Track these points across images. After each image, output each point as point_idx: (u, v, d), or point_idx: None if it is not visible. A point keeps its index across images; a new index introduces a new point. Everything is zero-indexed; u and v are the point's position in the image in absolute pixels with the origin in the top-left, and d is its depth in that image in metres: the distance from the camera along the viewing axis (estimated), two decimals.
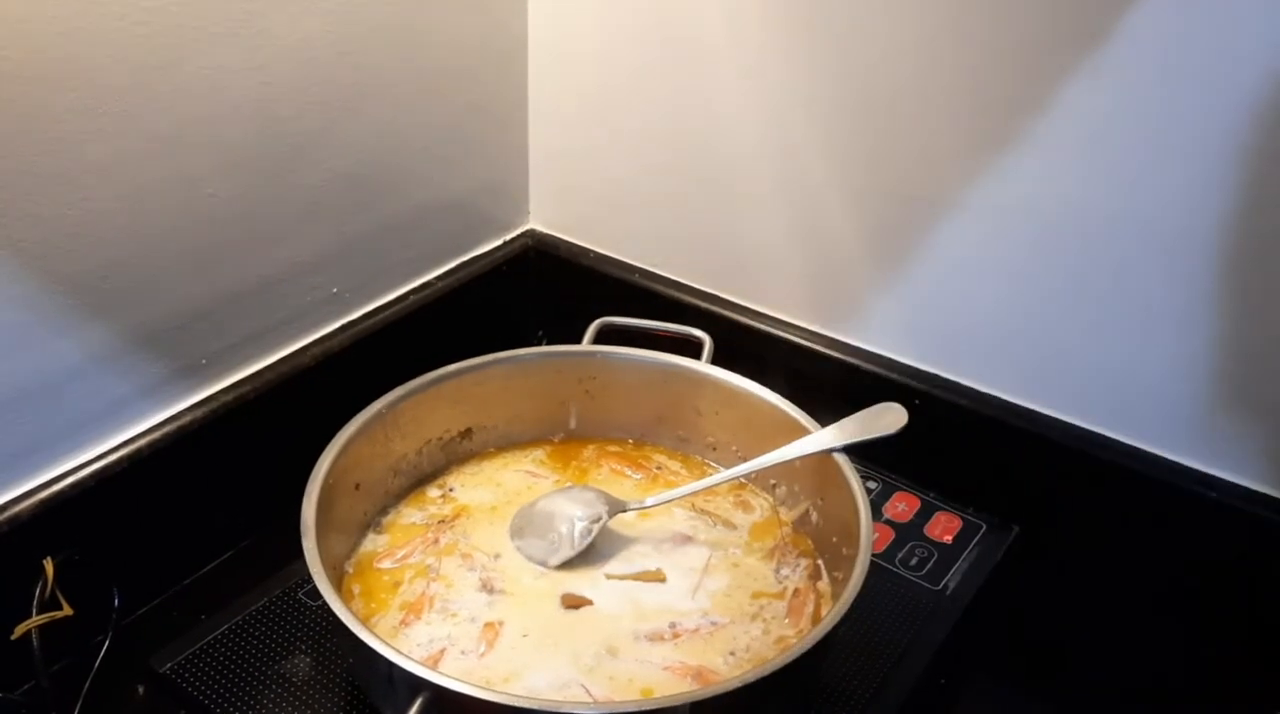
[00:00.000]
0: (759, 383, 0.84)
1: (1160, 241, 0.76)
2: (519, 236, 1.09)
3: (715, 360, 0.88)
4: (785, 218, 0.93)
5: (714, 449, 0.89)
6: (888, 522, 0.89)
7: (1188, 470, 0.81)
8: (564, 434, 0.92)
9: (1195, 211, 0.74)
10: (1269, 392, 0.76)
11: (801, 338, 0.96)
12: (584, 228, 1.07)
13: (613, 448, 0.91)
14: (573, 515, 0.80)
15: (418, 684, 0.61)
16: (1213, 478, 0.80)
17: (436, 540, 0.81)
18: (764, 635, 0.75)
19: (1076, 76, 0.75)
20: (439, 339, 0.93)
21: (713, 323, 0.94)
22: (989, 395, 0.88)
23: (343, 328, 0.94)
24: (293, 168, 0.85)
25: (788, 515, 0.84)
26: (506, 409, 0.89)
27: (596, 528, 0.79)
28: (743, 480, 0.88)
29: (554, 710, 0.61)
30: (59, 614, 0.73)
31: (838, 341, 0.95)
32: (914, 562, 0.85)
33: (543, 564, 0.79)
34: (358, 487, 0.79)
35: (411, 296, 0.99)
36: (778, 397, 0.83)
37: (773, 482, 0.86)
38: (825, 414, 0.80)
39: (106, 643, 0.77)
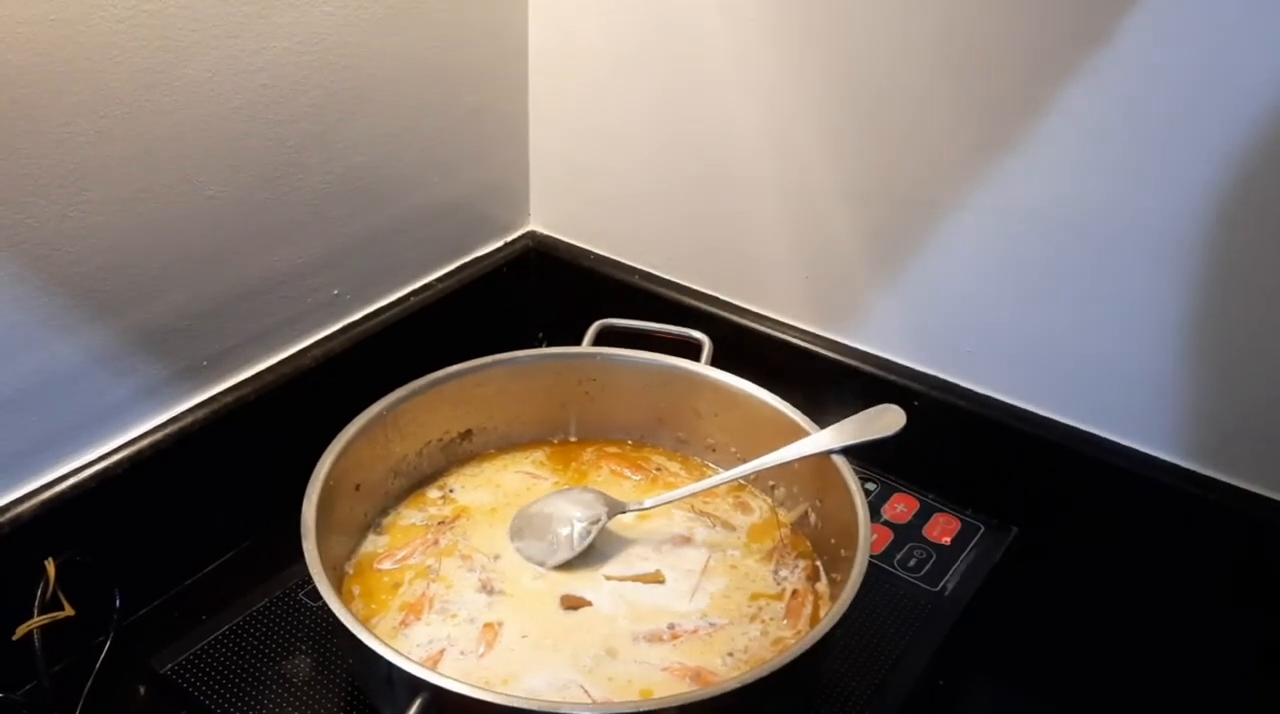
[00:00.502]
0: (758, 385, 0.84)
1: (1160, 243, 0.76)
2: (519, 238, 1.09)
3: (715, 362, 0.88)
4: (785, 219, 0.94)
5: (713, 451, 0.89)
6: (886, 523, 0.89)
7: (1187, 472, 0.81)
8: (564, 435, 0.92)
9: (1195, 213, 0.74)
10: (1269, 393, 0.76)
11: (800, 339, 0.96)
12: (584, 229, 1.08)
13: (612, 449, 0.91)
14: (572, 517, 0.80)
15: (417, 685, 0.61)
16: (1212, 479, 0.80)
17: (436, 541, 0.81)
18: (762, 637, 0.75)
19: (1076, 78, 0.75)
20: (439, 340, 0.93)
21: (712, 324, 0.94)
22: (987, 397, 0.88)
23: (343, 329, 0.94)
24: (293, 170, 0.85)
25: (786, 517, 0.84)
26: (506, 410, 0.89)
27: (595, 529, 0.79)
28: (742, 482, 0.88)
29: (553, 711, 0.61)
30: (60, 615, 0.73)
31: (837, 343, 0.95)
32: (912, 563, 0.85)
33: (541, 565, 0.79)
34: (358, 488, 0.80)
35: (412, 298, 0.99)
36: (777, 398, 0.83)
37: (771, 483, 0.86)
38: (824, 416, 0.80)
39: (108, 643, 0.77)
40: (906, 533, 0.88)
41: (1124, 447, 0.83)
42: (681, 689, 0.70)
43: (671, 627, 0.75)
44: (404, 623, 0.74)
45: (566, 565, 0.79)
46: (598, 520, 0.79)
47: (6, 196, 0.68)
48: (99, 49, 0.70)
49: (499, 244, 1.08)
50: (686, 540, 0.82)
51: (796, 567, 0.81)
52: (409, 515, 0.84)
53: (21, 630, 0.72)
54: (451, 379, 0.85)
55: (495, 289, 1.06)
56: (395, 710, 0.62)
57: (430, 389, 0.84)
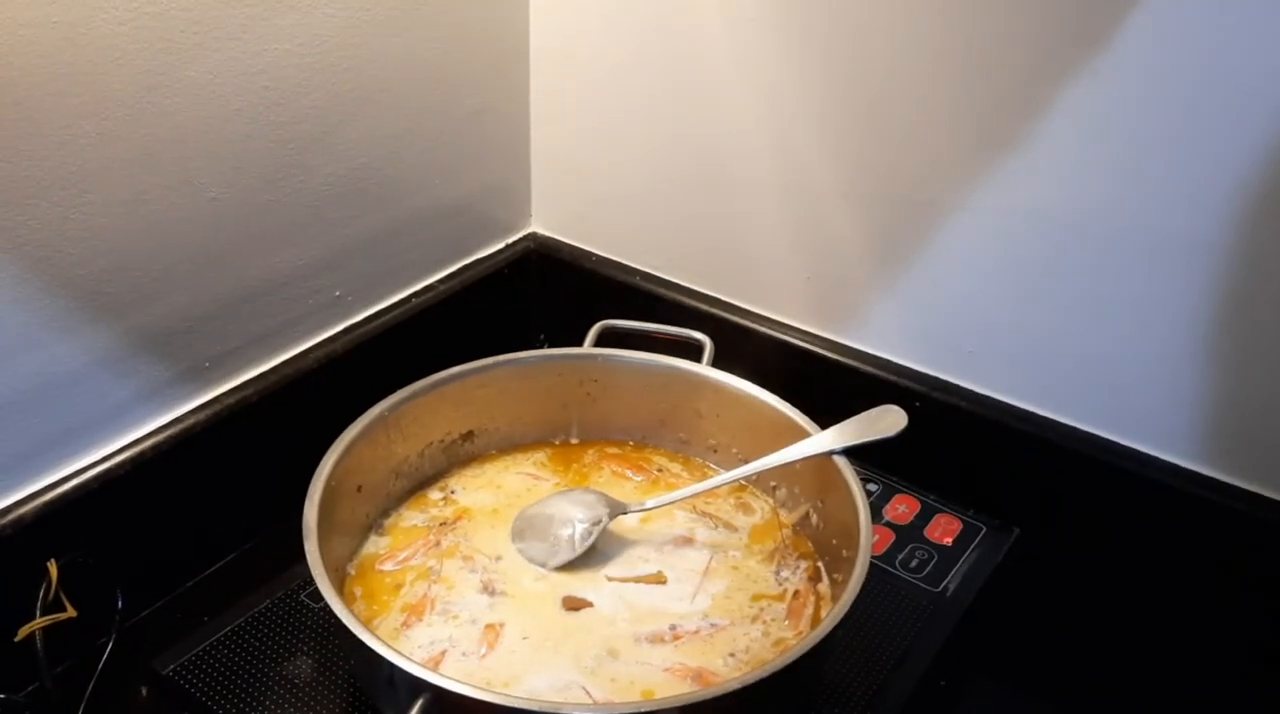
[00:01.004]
0: (759, 385, 0.84)
1: (1160, 243, 0.76)
2: (521, 240, 1.09)
3: (716, 363, 0.88)
4: (786, 221, 0.94)
5: (715, 451, 0.89)
6: (888, 524, 0.89)
7: (1188, 472, 0.81)
8: (565, 436, 0.92)
9: (1196, 213, 0.74)
10: (1271, 393, 0.76)
11: (802, 340, 0.96)
12: (585, 231, 1.08)
13: (613, 450, 0.91)
14: (573, 518, 0.80)
15: (418, 686, 0.61)
16: (1213, 480, 0.80)
17: (438, 543, 0.81)
18: (764, 637, 0.75)
19: (1076, 78, 0.75)
20: (441, 342, 0.93)
21: (713, 325, 0.94)
22: (989, 398, 0.88)
23: (345, 331, 0.94)
24: (295, 172, 0.85)
25: (788, 517, 0.84)
26: (508, 412, 0.89)
27: (596, 530, 0.79)
28: (743, 482, 0.88)
29: (554, 712, 0.61)
30: (63, 616, 0.73)
31: (838, 344, 0.95)
32: (914, 564, 0.85)
33: (543, 566, 0.79)
34: (360, 489, 0.80)
35: (414, 299, 0.99)
36: (778, 399, 0.83)
37: (773, 484, 0.86)
38: (825, 416, 0.80)
39: (110, 645, 0.77)
40: (908, 534, 0.88)
41: (1125, 447, 0.83)
42: (683, 690, 0.70)
43: (673, 628, 0.75)
44: (406, 624, 0.75)
45: (568, 566, 0.79)
46: (599, 521, 0.80)
47: (9, 198, 0.68)
48: (100, 51, 0.70)
49: (500, 245, 1.08)
50: (688, 541, 0.82)
51: (798, 567, 0.81)
52: (411, 516, 0.84)
53: (24, 631, 0.72)
54: (453, 380, 0.85)
55: (497, 290, 1.06)
56: (397, 711, 0.62)
57: (432, 390, 0.84)
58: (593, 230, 1.07)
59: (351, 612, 0.64)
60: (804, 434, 0.80)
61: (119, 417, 0.80)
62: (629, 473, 0.89)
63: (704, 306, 1.01)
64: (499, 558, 0.80)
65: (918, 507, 0.91)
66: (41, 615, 0.72)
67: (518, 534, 0.81)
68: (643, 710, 0.62)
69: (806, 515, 0.83)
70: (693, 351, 0.89)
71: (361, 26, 0.85)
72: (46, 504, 0.75)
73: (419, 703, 0.61)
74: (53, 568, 0.74)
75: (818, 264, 0.93)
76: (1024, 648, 0.85)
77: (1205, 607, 0.82)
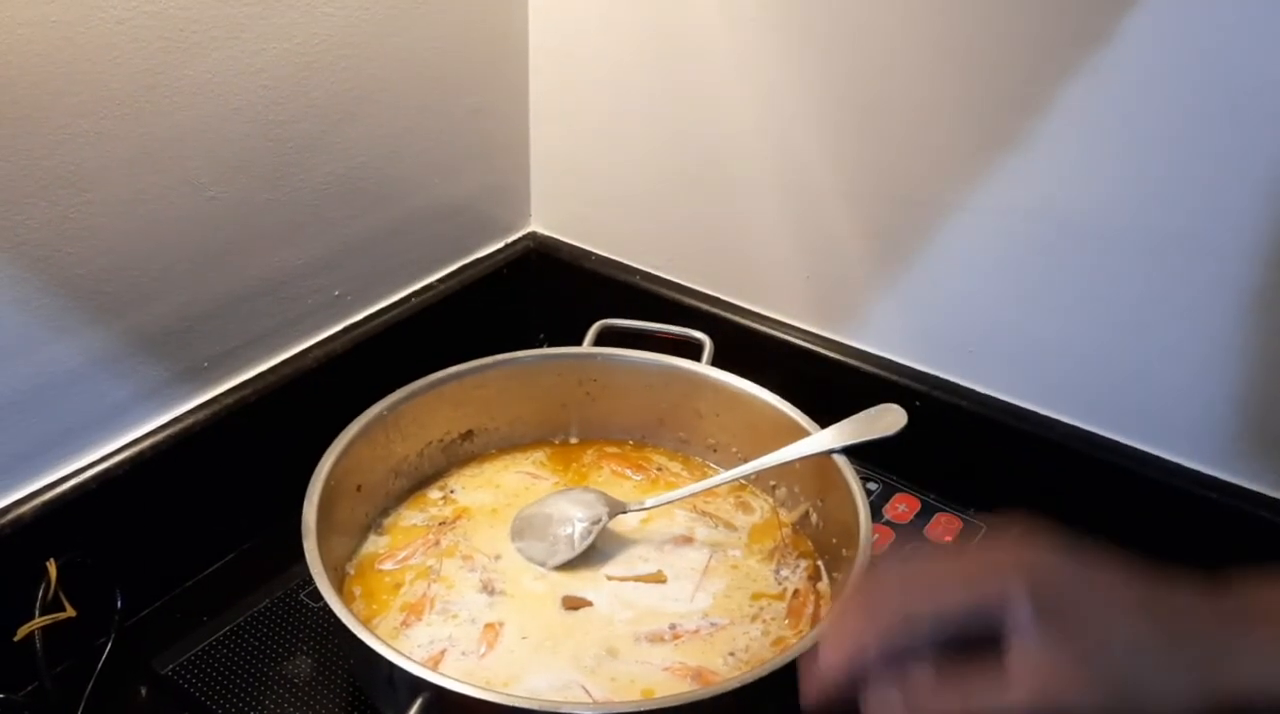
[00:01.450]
0: (759, 385, 0.84)
1: (1162, 243, 0.76)
2: (520, 239, 1.09)
3: (716, 362, 0.88)
4: (786, 220, 0.94)
5: (714, 451, 0.89)
6: (888, 523, 0.89)
7: (1190, 472, 0.81)
8: (564, 436, 0.92)
9: (1196, 212, 0.74)
10: (1273, 392, 0.76)
11: (802, 340, 0.96)
12: (585, 230, 1.08)
13: (612, 450, 0.91)
14: (572, 517, 0.80)
15: (418, 685, 0.61)
16: (1215, 480, 0.80)
17: (438, 542, 0.81)
18: (763, 636, 0.75)
19: (1078, 78, 0.75)
20: (440, 341, 0.93)
21: (713, 325, 0.94)
22: (989, 397, 0.88)
23: (344, 330, 0.94)
24: (294, 171, 0.85)
25: (788, 517, 0.84)
26: (507, 411, 0.89)
27: (596, 530, 0.79)
28: (743, 482, 0.88)
29: (553, 711, 0.61)
30: (62, 616, 0.73)
31: (838, 343, 0.95)
32: None
33: (543, 565, 0.79)
34: (359, 488, 0.80)
35: (413, 299, 0.99)
36: (778, 398, 0.83)
37: (773, 483, 0.86)
38: (826, 416, 0.80)
39: (109, 644, 0.77)
40: (908, 533, 0.88)
41: (1126, 446, 0.83)
42: (683, 689, 0.70)
43: (673, 627, 0.75)
44: (405, 623, 0.75)
45: (567, 565, 0.79)
46: (599, 520, 0.79)
47: (7, 198, 0.68)
48: (99, 50, 0.70)
49: (500, 245, 1.08)
50: (688, 540, 0.82)
51: (798, 567, 0.81)
52: (410, 516, 0.84)
53: (23, 631, 0.72)
54: (452, 380, 0.85)
55: (496, 290, 1.06)
56: (396, 711, 0.62)
57: (431, 390, 0.84)
58: (592, 230, 1.07)
59: (351, 611, 0.64)
60: (804, 433, 0.80)
61: (118, 416, 0.80)
62: (628, 472, 0.89)
63: (704, 306, 1.01)
64: (498, 557, 0.80)
65: (918, 506, 0.91)
66: (40, 615, 0.72)
67: (517, 533, 0.81)
68: (643, 709, 0.62)
69: (806, 515, 0.83)
70: (692, 351, 0.89)
71: (361, 26, 0.85)
72: (45, 504, 0.75)
73: (418, 702, 0.61)
74: (52, 568, 0.73)
75: (818, 263, 0.93)
76: None
77: None
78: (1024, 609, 0.41)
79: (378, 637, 0.63)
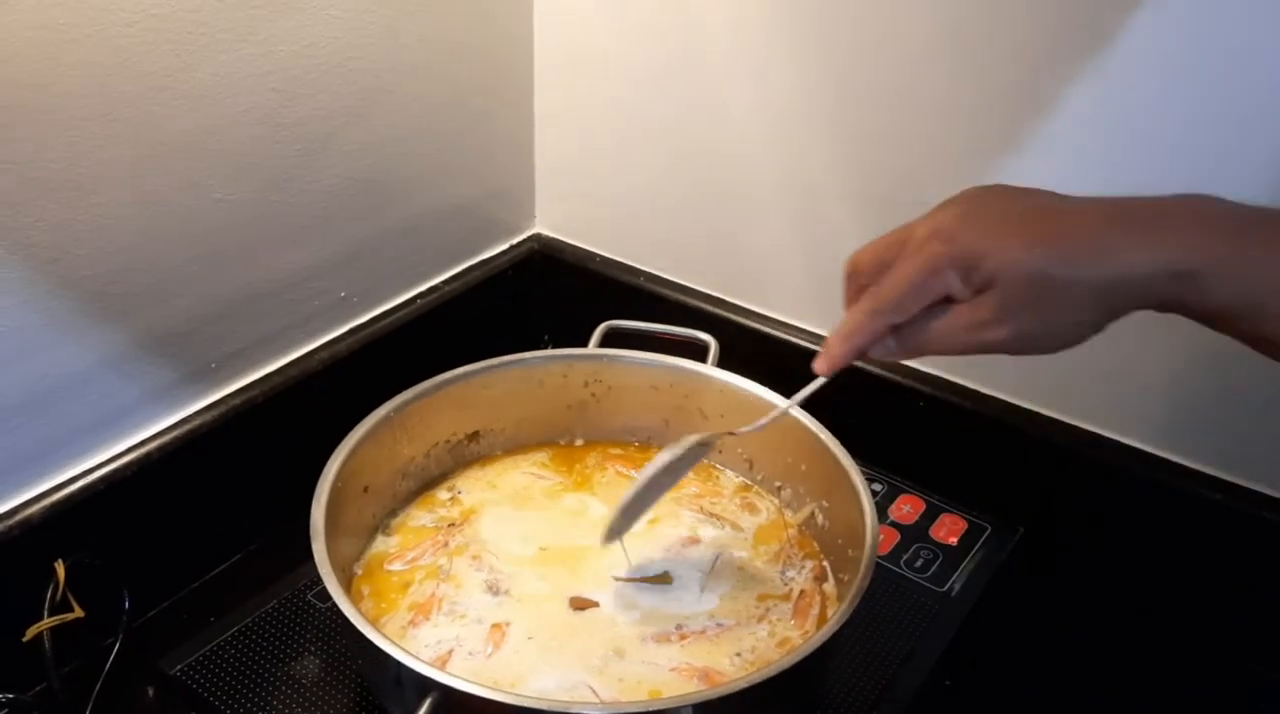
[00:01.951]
0: (765, 386, 0.84)
1: None
2: (525, 241, 1.10)
3: (721, 363, 0.88)
4: (790, 221, 0.94)
5: (719, 451, 0.90)
6: (893, 524, 0.89)
7: (1193, 472, 0.81)
8: (570, 437, 0.92)
9: None
10: (1272, 393, 0.76)
11: (807, 341, 0.96)
12: (590, 232, 1.08)
13: (617, 451, 0.91)
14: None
15: (426, 685, 0.61)
16: (1218, 480, 0.80)
17: (446, 543, 0.81)
18: (769, 637, 0.75)
19: (1081, 80, 0.75)
20: (446, 343, 0.93)
21: (718, 326, 0.94)
22: (994, 398, 0.89)
23: (350, 332, 0.94)
24: (300, 173, 0.85)
25: (793, 518, 0.85)
26: (513, 412, 0.89)
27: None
28: (748, 483, 0.88)
29: (562, 711, 0.62)
30: (70, 616, 0.73)
31: None
32: (919, 563, 0.85)
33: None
34: (366, 489, 0.80)
35: (419, 301, 1.00)
36: (783, 399, 0.83)
37: (778, 484, 0.86)
38: (829, 416, 0.80)
39: (117, 645, 0.77)
40: (913, 533, 0.88)
41: (1129, 447, 0.83)
42: (690, 689, 0.70)
43: (679, 628, 0.75)
44: (413, 623, 0.75)
45: (573, 566, 0.79)
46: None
47: (16, 200, 0.68)
48: (107, 53, 0.70)
49: (505, 247, 1.08)
50: (694, 541, 0.82)
51: (803, 567, 0.81)
52: (418, 517, 0.84)
53: (31, 632, 0.72)
54: (458, 381, 0.85)
55: (501, 291, 1.06)
56: (405, 711, 0.62)
57: (437, 391, 0.84)
58: (597, 231, 1.07)
59: (359, 611, 0.64)
60: (809, 435, 0.80)
61: (126, 417, 0.80)
62: (633, 473, 0.89)
63: (709, 307, 1.01)
64: (505, 557, 0.80)
65: (923, 506, 0.91)
66: (49, 616, 0.72)
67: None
68: (652, 709, 0.62)
69: (812, 515, 0.83)
70: (698, 352, 0.89)
71: (367, 29, 0.85)
72: (54, 505, 0.75)
73: (427, 702, 0.61)
74: (60, 568, 0.74)
75: (822, 264, 0.93)
76: (1028, 647, 0.85)
77: (1208, 606, 0.82)
78: (958, 285, 0.55)
79: (386, 636, 0.63)
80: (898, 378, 0.92)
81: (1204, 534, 0.81)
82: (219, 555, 0.88)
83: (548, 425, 0.92)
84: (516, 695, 0.62)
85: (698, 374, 0.87)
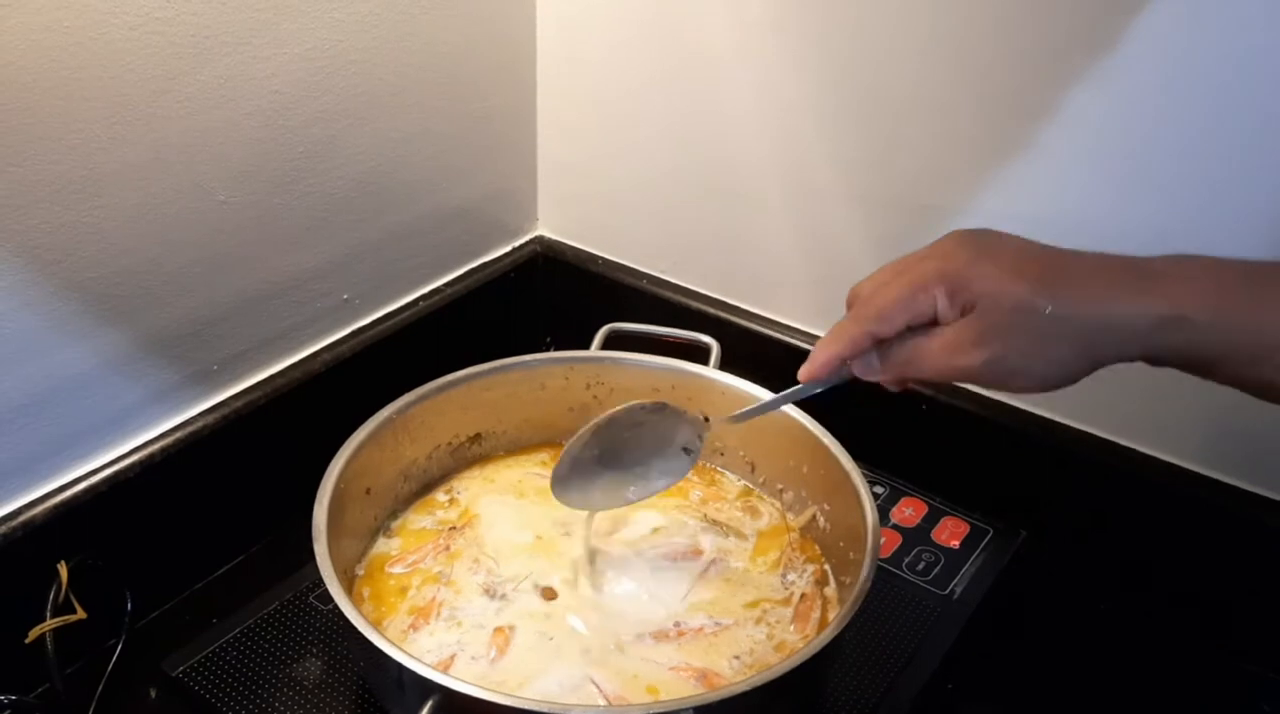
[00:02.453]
0: (767, 389, 0.84)
1: (1167, 249, 0.76)
2: (527, 243, 1.10)
3: (723, 366, 0.88)
4: (793, 224, 0.94)
5: (721, 455, 0.90)
6: (895, 527, 0.89)
7: (1195, 475, 0.81)
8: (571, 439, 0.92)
9: (1199, 218, 0.74)
10: None
11: (809, 344, 0.96)
12: (592, 234, 1.08)
13: None
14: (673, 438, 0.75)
15: (428, 687, 0.61)
16: (1219, 482, 0.80)
17: (447, 546, 0.81)
18: (767, 640, 0.75)
19: (1085, 84, 0.75)
20: (448, 345, 0.93)
21: (721, 329, 0.94)
22: (996, 400, 0.89)
23: (353, 334, 0.95)
24: (303, 176, 0.85)
25: (795, 521, 0.85)
26: (515, 414, 0.90)
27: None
28: (750, 486, 0.88)
29: (563, 713, 0.62)
30: (73, 618, 0.74)
31: None
32: (921, 566, 0.85)
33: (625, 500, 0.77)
34: (368, 491, 0.80)
35: (421, 303, 1.00)
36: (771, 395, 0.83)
37: (780, 487, 0.86)
38: (831, 418, 0.80)
39: (119, 646, 0.78)
40: (915, 536, 0.88)
41: (1130, 450, 0.83)
42: (688, 690, 0.70)
43: (677, 624, 0.75)
44: (413, 626, 0.75)
45: (566, 556, 0.79)
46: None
47: (20, 202, 0.69)
48: (111, 56, 0.70)
49: (507, 249, 1.08)
50: (695, 544, 0.82)
51: (805, 571, 0.81)
52: (418, 519, 0.84)
53: (34, 633, 0.72)
54: (460, 383, 0.85)
55: (503, 293, 1.07)
56: (406, 713, 0.62)
57: (439, 393, 0.84)
58: (599, 234, 1.07)
59: (361, 614, 0.65)
60: (811, 437, 0.80)
61: (128, 419, 0.80)
62: None
63: (711, 310, 1.01)
64: (504, 561, 0.80)
65: (925, 509, 0.91)
66: (52, 617, 0.73)
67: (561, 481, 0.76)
68: (656, 712, 0.62)
69: (814, 518, 0.83)
70: (700, 354, 0.89)
71: (370, 32, 0.86)
72: (57, 506, 0.76)
73: (428, 705, 0.61)
74: (63, 570, 0.74)
75: (825, 268, 0.94)
76: (1031, 651, 0.85)
77: (1209, 608, 0.82)
78: (943, 304, 0.56)
79: (388, 639, 0.63)
80: None
81: (1205, 537, 0.81)
82: (221, 557, 0.88)
83: (549, 427, 0.92)
84: (516, 698, 0.62)
85: (700, 377, 0.87)
